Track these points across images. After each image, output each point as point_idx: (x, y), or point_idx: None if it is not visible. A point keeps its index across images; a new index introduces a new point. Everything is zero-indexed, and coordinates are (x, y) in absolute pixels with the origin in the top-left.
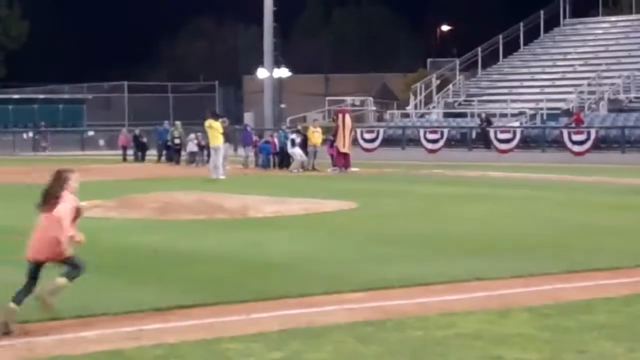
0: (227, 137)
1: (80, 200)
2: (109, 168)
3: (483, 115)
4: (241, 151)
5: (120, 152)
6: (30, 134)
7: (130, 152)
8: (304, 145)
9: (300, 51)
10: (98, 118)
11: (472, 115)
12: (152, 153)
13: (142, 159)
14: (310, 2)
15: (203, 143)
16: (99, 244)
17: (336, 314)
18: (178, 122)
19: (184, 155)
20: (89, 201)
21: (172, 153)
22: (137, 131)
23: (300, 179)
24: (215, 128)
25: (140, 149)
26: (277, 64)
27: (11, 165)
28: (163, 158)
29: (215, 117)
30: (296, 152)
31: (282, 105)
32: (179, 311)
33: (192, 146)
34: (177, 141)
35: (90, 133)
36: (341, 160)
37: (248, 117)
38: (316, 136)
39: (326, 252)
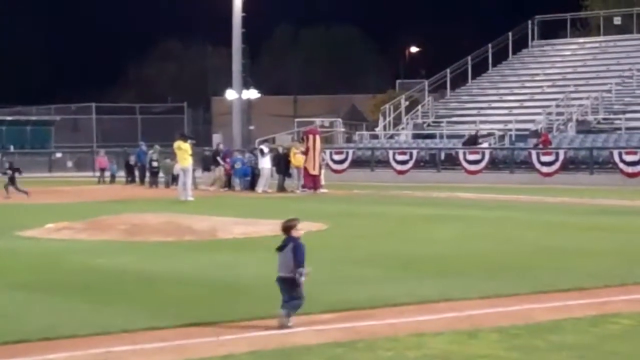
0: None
1: (49, 222)
2: (78, 190)
3: (474, 133)
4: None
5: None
6: None
7: (107, 174)
8: (286, 166)
9: (269, 72)
10: (66, 140)
11: (442, 136)
12: (120, 174)
13: (133, 182)
14: (279, 23)
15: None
16: (67, 265)
17: (306, 335)
18: (157, 146)
19: (161, 177)
20: (58, 223)
21: (150, 176)
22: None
23: (269, 200)
24: (184, 149)
25: (130, 171)
26: (245, 85)
27: None
28: (134, 180)
29: (184, 138)
30: (265, 166)
31: (251, 127)
32: (147, 333)
33: (177, 169)
34: (154, 164)
35: (58, 155)
36: (310, 182)
37: (217, 139)
38: (298, 158)
39: None
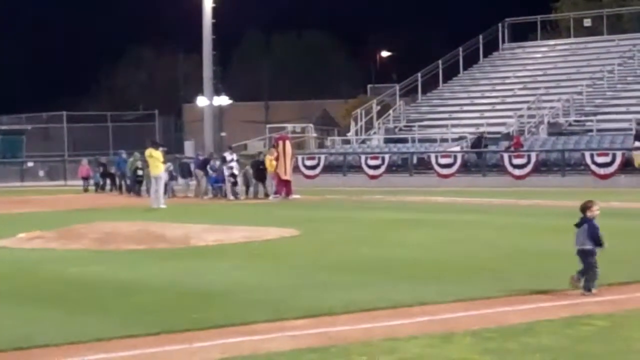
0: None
1: (21, 231)
2: (49, 199)
3: (477, 135)
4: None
5: (81, 182)
6: None
7: (91, 182)
8: (262, 173)
9: (240, 79)
10: (37, 149)
11: (413, 140)
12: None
13: (111, 189)
14: (249, 29)
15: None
16: (39, 275)
17: (280, 341)
18: (137, 153)
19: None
20: (30, 232)
21: (131, 184)
22: (103, 159)
23: (242, 206)
24: (155, 157)
25: (109, 178)
26: (217, 92)
27: None
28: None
29: (156, 146)
30: (227, 174)
31: (223, 134)
32: (121, 341)
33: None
34: (140, 172)
35: (30, 164)
36: (282, 188)
37: (189, 146)
38: (273, 164)
39: (269, 280)
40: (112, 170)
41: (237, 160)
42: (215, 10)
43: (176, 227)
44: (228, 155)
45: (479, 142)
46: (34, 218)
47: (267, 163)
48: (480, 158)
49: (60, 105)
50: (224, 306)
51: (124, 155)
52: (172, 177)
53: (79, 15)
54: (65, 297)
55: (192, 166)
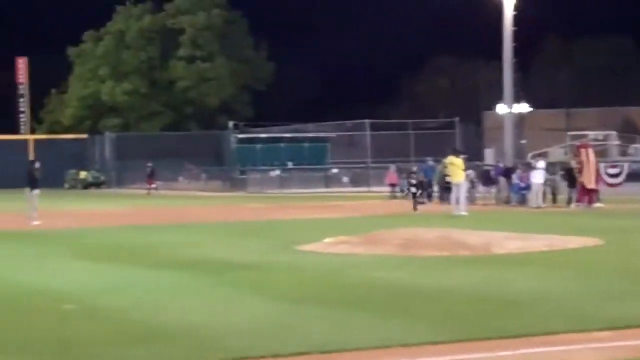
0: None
1: (327, 236)
2: (354, 205)
3: None
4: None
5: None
6: (278, 172)
7: (398, 189)
8: (574, 180)
9: (541, 86)
10: (341, 156)
11: None
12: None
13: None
14: (550, 36)
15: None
16: (346, 279)
17: (583, 354)
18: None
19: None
20: (336, 237)
21: (441, 191)
22: (414, 168)
23: (541, 215)
24: (456, 165)
25: (422, 187)
26: (517, 99)
27: (261, 203)
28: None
29: (457, 153)
30: (536, 181)
31: (523, 141)
32: (425, 347)
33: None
34: (448, 179)
35: (335, 171)
36: (584, 196)
37: (489, 154)
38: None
39: (572, 289)
40: (420, 178)
41: (546, 169)
42: (515, 18)
43: (477, 234)
44: (539, 163)
45: None
46: (340, 224)
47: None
48: None
49: (362, 114)
50: (525, 315)
51: (431, 163)
52: (473, 185)
53: (380, 25)
54: (370, 302)
55: (493, 174)
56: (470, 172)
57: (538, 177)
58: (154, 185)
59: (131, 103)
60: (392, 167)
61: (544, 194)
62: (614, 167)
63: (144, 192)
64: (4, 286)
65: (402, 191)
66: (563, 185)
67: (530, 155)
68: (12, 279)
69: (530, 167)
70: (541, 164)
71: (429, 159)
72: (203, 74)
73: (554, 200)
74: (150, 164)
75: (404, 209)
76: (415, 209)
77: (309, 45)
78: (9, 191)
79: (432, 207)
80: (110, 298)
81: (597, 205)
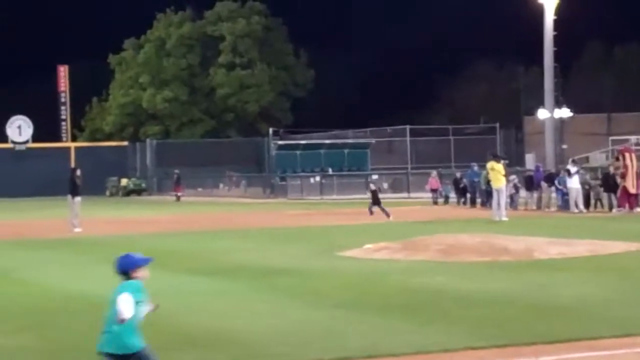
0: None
1: (368, 242)
2: (394, 211)
3: None
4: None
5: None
6: (317, 178)
7: (440, 194)
8: (614, 185)
9: (581, 90)
10: (381, 162)
11: None
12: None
13: (470, 203)
14: (591, 40)
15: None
16: (386, 285)
17: (626, 358)
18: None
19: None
20: (376, 243)
21: (485, 196)
22: (458, 174)
23: (582, 220)
24: (497, 170)
25: (461, 193)
26: (557, 104)
27: (300, 209)
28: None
29: (497, 158)
30: (573, 186)
31: (564, 146)
32: (465, 352)
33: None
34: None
35: (374, 176)
36: (625, 201)
37: (529, 158)
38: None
39: (615, 295)
40: (463, 183)
41: (580, 173)
42: (556, 23)
43: (519, 239)
44: (572, 168)
45: None
46: (380, 229)
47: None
48: None
49: (402, 119)
50: (569, 320)
51: (476, 168)
52: (517, 190)
53: (420, 30)
54: (410, 307)
55: (533, 178)
56: (514, 177)
57: (574, 182)
58: (179, 192)
59: (171, 110)
60: (434, 173)
61: (588, 199)
62: None
63: (172, 199)
64: (48, 292)
65: (446, 197)
66: (600, 190)
67: (570, 160)
68: (55, 285)
69: (568, 173)
70: (573, 168)
71: (473, 164)
72: (243, 81)
73: (597, 205)
74: (176, 171)
75: (445, 215)
76: (370, 212)
77: (348, 52)
78: (50, 198)
79: (476, 212)
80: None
81: (639, 209)
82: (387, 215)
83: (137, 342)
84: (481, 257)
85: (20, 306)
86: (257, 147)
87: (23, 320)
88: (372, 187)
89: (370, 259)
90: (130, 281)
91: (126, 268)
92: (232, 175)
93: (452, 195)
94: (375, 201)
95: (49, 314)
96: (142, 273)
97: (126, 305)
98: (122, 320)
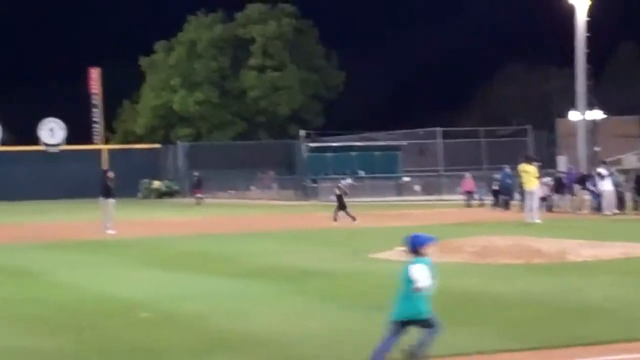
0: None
1: (399, 244)
2: (427, 213)
3: None
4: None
5: (464, 197)
6: (349, 181)
7: (474, 196)
8: None
9: (614, 92)
10: (412, 164)
11: None
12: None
13: (505, 206)
14: (624, 41)
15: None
16: None
17: None
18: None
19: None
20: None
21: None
22: (496, 175)
23: (615, 222)
24: (529, 172)
25: (495, 194)
26: (590, 106)
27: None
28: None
29: (529, 161)
30: (606, 189)
31: (596, 148)
32: (499, 355)
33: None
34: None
35: (406, 179)
36: None
37: (561, 161)
38: None
39: None
40: (497, 186)
41: (614, 175)
42: (588, 24)
43: (552, 241)
44: (603, 171)
45: None
46: (412, 231)
47: None
48: None
49: (433, 121)
50: (603, 322)
51: (508, 170)
52: (550, 192)
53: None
54: (443, 309)
55: (566, 181)
56: (549, 179)
57: (606, 185)
58: (199, 195)
59: (202, 112)
60: (468, 175)
61: (622, 201)
62: None
63: (193, 201)
64: (81, 294)
65: (481, 199)
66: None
67: (601, 162)
68: (89, 287)
69: (599, 175)
70: (604, 171)
71: (505, 166)
72: (274, 83)
73: (634, 207)
74: (196, 173)
75: (478, 217)
76: (335, 219)
77: (378, 54)
78: (83, 200)
79: (509, 214)
80: (185, 306)
81: None
82: (353, 219)
83: (429, 309)
84: (514, 259)
85: (55, 308)
86: (288, 149)
87: (58, 322)
88: (337, 191)
89: (402, 261)
90: (421, 257)
91: (417, 245)
92: (265, 174)
93: (488, 198)
94: (341, 206)
95: (83, 315)
96: (429, 250)
97: (421, 275)
98: (418, 289)
